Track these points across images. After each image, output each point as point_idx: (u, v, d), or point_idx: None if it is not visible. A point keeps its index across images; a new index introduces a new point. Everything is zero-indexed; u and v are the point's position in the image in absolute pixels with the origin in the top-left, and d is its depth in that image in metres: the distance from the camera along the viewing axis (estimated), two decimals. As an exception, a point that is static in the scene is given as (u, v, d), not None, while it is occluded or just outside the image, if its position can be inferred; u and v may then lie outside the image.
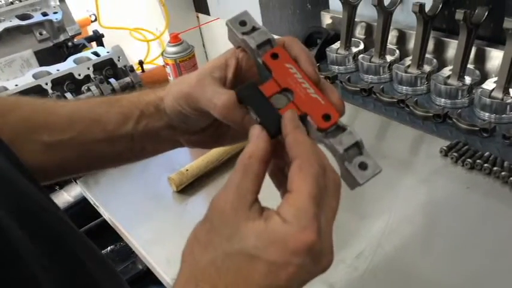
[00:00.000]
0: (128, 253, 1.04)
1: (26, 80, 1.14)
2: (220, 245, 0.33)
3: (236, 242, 0.32)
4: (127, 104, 0.48)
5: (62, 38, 1.38)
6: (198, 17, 1.84)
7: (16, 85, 1.12)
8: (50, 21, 1.35)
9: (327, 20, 1.25)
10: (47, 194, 0.44)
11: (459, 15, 0.86)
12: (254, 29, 0.40)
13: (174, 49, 0.90)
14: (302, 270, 0.32)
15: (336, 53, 1.14)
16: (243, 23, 0.40)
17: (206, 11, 1.76)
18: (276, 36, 0.41)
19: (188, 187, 0.86)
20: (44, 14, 1.36)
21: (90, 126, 0.48)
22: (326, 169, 0.34)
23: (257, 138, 0.35)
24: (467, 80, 0.93)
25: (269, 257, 0.31)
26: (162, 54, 0.94)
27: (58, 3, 1.42)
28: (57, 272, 0.36)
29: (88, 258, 0.44)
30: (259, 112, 0.36)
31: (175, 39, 0.91)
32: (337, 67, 1.15)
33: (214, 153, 0.89)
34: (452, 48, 0.97)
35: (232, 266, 0.32)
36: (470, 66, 0.94)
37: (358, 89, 1.04)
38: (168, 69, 0.92)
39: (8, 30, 1.31)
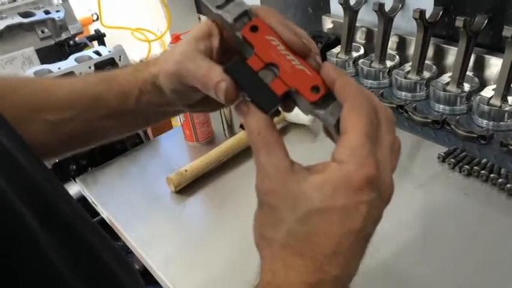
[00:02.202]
0: (125, 252, 1.05)
1: (27, 77, 1.14)
2: (288, 217, 0.32)
3: (302, 206, 0.32)
4: (124, 83, 0.47)
5: (63, 36, 1.39)
6: (199, 18, 1.84)
7: (17, 82, 1.13)
8: (52, 19, 1.35)
9: (327, 24, 1.26)
10: (52, 174, 0.44)
11: (459, 22, 0.86)
12: (228, 1, 0.37)
13: (175, 50, 0.91)
14: (372, 206, 0.32)
15: (336, 57, 1.15)
16: None
17: (208, 13, 1.76)
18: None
19: (187, 188, 0.86)
20: (47, 12, 1.36)
21: (91, 104, 0.48)
22: (377, 106, 0.34)
23: (253, 113, 0.35)
24: (466, 87, 0.94)
25: (337, 203, 0.31)
26: (163, 55, 0.94)
27: (61, 1, 1.43)
28: (73, 259, 0.36)
29: (103, 249, 0.43)
30: (252, 91, 0.34)
31: (176, 40, 0.91)
32: (337, 71, 1.15)
33: (213, 154, 0.89)
34: (452, 55, 0.98)
35: (309, 228, 0.32)
36: (469, 73, 0.95)
37: (357, 93, 1.04)
38: (169, 70, 0.93)
39: (10, 28, 1.31)
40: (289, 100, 0.37)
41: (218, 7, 0.37)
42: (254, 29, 0.36)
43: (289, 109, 0.39)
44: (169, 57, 0.42)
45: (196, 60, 0.39)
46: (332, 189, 0.31)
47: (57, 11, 1.37)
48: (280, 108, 0.38)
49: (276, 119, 0.97)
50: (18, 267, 0.29)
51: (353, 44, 1.16)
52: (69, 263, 0.34)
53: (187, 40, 0.41)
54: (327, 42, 1.21)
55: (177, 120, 1.08)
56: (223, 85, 0.36)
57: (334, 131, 0.35)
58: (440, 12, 0.96)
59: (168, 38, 1.70)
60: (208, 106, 0.47)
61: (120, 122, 0.50)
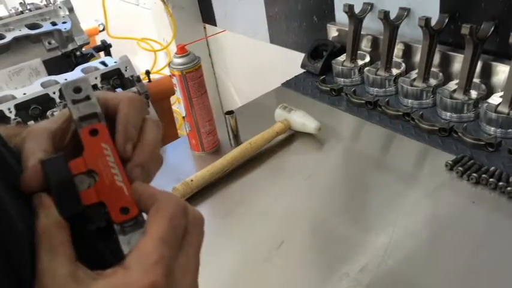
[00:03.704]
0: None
1: (34, 88, 1.15)
2: None
3: None
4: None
5: (70, 47, 1.40)
6: (205, 27, 1.85)
7: (24, 94, 1.14)
8: (59, 30, 1.36)
9: (333, 32, 1.26)
10: None
11: (465, 29, 0.86)
12: (87, 98, 0.36)
13: (180, 60, 0.91)
14: None
15: (342, 66, 1.15)
16: (77, 90, 0.36)
17: (213, 23, 1.77)
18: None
19: (192, 198, 0.86)
20: (53, 24, 1.37)
21: None
22: (186, 207, 0.33)
23: (45, 207, 0.31)
24: (473, 94, 0.94)
25: None
26: (168, 64, 0.94)
27: (67, 13, 1.44)
28: None
29: None
30: (58, 190, 0.32)
31: (182, 51, 0.91)
32: (342, 79, 1.15)
33: (219, 164, 0.89)
34: (458, 62, 0.97)
35: None
36: (476, 80, 0.94)
37: (363, 101, 1.04)
38: (175, 80, 0.93)
39: (17, 39, 1.33)
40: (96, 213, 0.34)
41: (74, 101, 0.36)
42: (94, 132, 0.35)
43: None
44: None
45: (30, 140, 0.36)
46: None
47: (64, 22, 1.38)
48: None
49: (281, 127, 0.97)
50: None
51: (358, 52, 1.16)
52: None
53: (55, 117, 0.39)
54: (332, 51, 1.21)
55: (183, 130, 1.08)
56: (26, 172, 0.32)
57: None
58: (446, 20, 0.96)
59: (173, 48, 1.71)
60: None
61: None
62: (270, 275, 0.70)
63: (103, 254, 0.34)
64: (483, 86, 0.94)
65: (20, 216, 0.31)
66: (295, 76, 1.25)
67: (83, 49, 1.47)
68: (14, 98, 1.13)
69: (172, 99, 1.57)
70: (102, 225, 0.33)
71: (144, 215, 0.34)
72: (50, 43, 1.36)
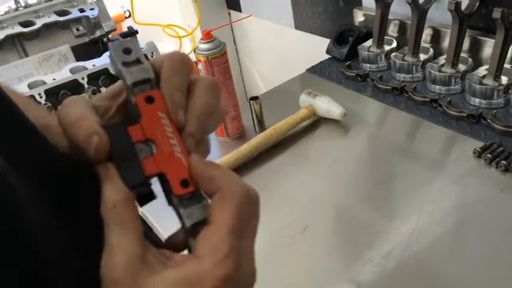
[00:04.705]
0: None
1: (63, 74, 1.18)
2: None
3: None
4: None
5: (97, 33, 1.42)
6: (229, 13, 1.85)
7: (54, 79, 1.16)
8: (87, 17, 1.39)
9: (359, 17, 1.24)
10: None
11: (496, 13, 0.84)
12: (138, 61, 0.33)
13: (206, 46, 0.91)
14: None
15: (368, 51, 1.13)
16: (127, 51, 0.33)
17: (238, 8, 1.77)
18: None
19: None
20: (81, 10, 1.39)
21: None
22: (250, 193, 0.32)
23: (113, 181, 0.30)
24: (504, 80, 0.91)
25: None
26: (194, 50, 0.95)
27: (94, 0, 1.46)
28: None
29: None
30: (122, 159, 0.31)
31: (207, 36, 0.92)
32: (368, 65, 1.14)
33: (243, 150, 0.90)
34: (489, 47, 0.95)
35: None
36: (507, 65, 0.92)
37: (389, 87, 1.03)
38: (200, 66, 0.93)
39: (46, 26, 1.35)
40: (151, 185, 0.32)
41: (124, 64, 0.33)
42: (149, 100, 0.33)
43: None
44: None
45: (74, 106, 0.32)
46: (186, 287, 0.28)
47: (92, 9, 1.40)
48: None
49: (306, 113, 0.97)
50: None
51: (385, 37, 1.14)
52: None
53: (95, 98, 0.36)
54: (358, 36, 1.19)
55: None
56: (96, 139, 0.30)
57: (187, 235, 0.32)
58: (477, 4, 0.93)
59: (198, 34, 1.72)
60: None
61: None
62: (293, 260, 0.71)
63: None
64: (514, 72, 0.91)
65: (31, 200, 0.29)
66: (320, 62, 1.24)
67: (110, 35, 1.49)
68: (44, 83, 1.15)
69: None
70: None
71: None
72: (78, 29, 1.38)
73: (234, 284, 0.29)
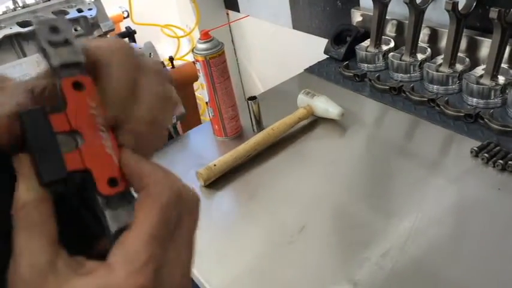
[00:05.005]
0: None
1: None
2: None
3: None
4: None
5: (95, 34, 1.42)
6: (228, 14, 1.85)
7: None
8: (85, 17, 1.38)
9: (357, 17, 1.25)
10: None
11: (493, 13, 0.84)
12: (67, 42, 0.29)
13: (204, 46, 0.91)
14: None
15: (366, 51, 1.13)
16: (54, 30, 0.29)
17: (236, 8, 1.77)
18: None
19: (216, 182, 0.87)
20: (79, 11, 1.39)
21: None
22: (181, 192, 0.28)
23: (26, 177, 0.27)
24: (501, 79, 0.91)
25: None
26: (192, 50, 0.95)
27: (93, 0, 1.46)
28: None
29: None
30: (38, 151, 0.27)
31: (205, 36, 0.92)
32: (366, 65, 1.14)
33: (241, 150, 0.90)
34: (486, 47, 0.95)
35: None
36: (503, 65, 0.92)
37: (387, 87, 1.03)
38: (198, 66, 0.93)
39: (44, 26, 1.35)
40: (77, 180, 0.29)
41: (51, 43, 0.28)
42: (77, 86, 0.28)
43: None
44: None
45: (9, 91, 0.29)
46: None
47: (90, 9, 1.40)
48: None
49: (304, 113, 0.97)
50: None
51: (383, 37, 1.14)
52: None
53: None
54: (356, 36, 1.19)
55: (206, 115, 1.09)
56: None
57: (111, 241, 0.28)
58: (474, 3, 0.93)
59: (196, 34, 1.72)
60: None
61: None
62: (291, 259, 0.71)
63: (87, 225, 0.30)
64: (511, 72, 0.92)
65: None
66: (318, 62, 1.24)
67: (108, 35, 1.49)
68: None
69: (195, 85, 1.59)
70: (86, 196, 0.29)
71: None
72: (76, 29, 1.38)
73: None
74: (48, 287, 0.25)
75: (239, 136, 1.01)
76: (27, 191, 0.26)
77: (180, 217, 0.28)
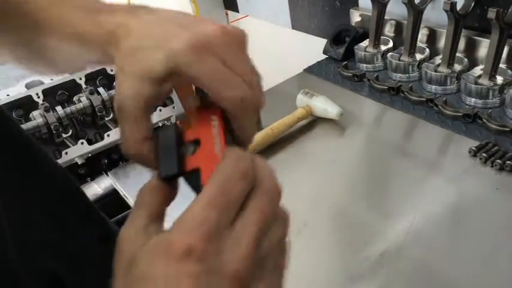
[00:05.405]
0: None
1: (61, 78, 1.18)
2: (119, 274, 0.29)
3: (133, 269, 0.28)
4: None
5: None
6: (227, 14, 1.85)
7: (51, 79, 1.16)
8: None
9: (355, 17, 1.25)
10: None
11: (491, 14, 0.84)
12: None
13: (203, 46, 0.92)
14: (200, 282, 0.27)
15: (365, 51, 1.14)
16: None
17: (235, 8, 1.77)
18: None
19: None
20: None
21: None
22: (247, 173, 0.30)
23: (155, 174, 0.34)
24: (499, 79, 0.92)
25: (156, 271, 0.27)
26: (191, 50, 0.96)
27: (92, 0, 1.46)
28: None
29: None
30: (160, 151, 0.35)
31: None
32: (365, 65, 1.14)
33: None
34: (484, 47, 0.96)
35: None
36: (502, 65, 0.93)
37: (386, 87, 1.04)
38: (198, 66, 0.94)
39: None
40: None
41: None
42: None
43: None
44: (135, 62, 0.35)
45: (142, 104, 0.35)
46: (153, 256, 0.28)
47: (89, 9, 1.40)
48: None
49: (303, 113, 0.97)
50: None
51: (382, 37, 1.14)
52: None
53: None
54: (355, 36, 1.20)
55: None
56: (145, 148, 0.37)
57: None
58: (472, 4, 0.94)
59: (196, 34, 1.72)
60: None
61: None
62: (290, 258, 0.71)
63: None
64: (509, 72, 0.92)
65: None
66: (317, 62, 1.25)
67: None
68: (41, 83, 1.15)
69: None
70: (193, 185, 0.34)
71: None
72: (75, 30, 1.38)
73: (203, 260, 0.27)
74: (137, 244, 0.30)
75: (238, 136, 1.01)
76: (149, 182, 0.34)
77: (250, 196, 0.30)
